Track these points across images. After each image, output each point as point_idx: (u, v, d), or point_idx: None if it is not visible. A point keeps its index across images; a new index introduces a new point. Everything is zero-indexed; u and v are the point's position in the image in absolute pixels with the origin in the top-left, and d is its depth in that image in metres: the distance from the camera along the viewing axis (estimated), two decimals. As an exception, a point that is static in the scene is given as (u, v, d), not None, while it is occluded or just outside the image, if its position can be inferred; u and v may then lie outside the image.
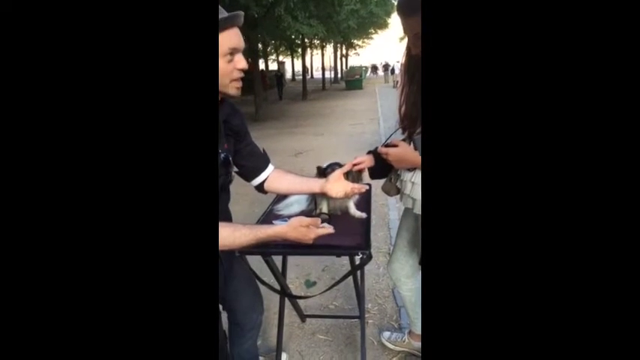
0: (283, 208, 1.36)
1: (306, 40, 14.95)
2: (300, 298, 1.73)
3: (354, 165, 1.24)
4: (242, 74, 0.89)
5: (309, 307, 1.92)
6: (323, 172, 1.23)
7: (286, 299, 1.54)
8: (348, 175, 1.20)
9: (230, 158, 1.02)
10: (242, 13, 0.85)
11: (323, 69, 20.55)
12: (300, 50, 16.40)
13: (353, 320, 1.79)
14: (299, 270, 2.31)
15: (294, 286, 2.17)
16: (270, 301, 1.88)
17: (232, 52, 0.84)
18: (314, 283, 2.19)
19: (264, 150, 1.20)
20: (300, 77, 15.79)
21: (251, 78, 10.32)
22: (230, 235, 0.89)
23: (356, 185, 1.15)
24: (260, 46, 10.80)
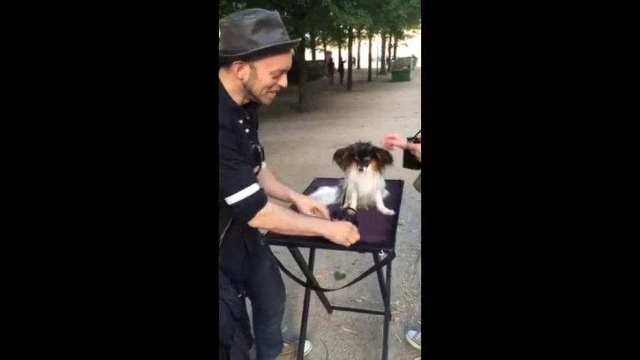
0: (312, 200, 1.38)
1: (353, 31, 14.75)
2: (324, 290, 1.75)
3: (388, 139, 1.30)
4: (279, 89, 0.96)
5: (336, 298, 1.94)
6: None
7: (312, 290, 1.56)
8: (377, 157, 1.25)
9: (260, 150, 1.05)
10: (300, 39, 0.97)
11: (370, 59, 20.21)
12: (347, 40, 16.23)
13: (379, 315, 1.78)
14: (329, 262, 2.33)
15: (324, 276, 2.20)
16: (299, 289, 1.93)
17: (281, 72, 0.92)
18: (343, 276, 2.20)
19: None
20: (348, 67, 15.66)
21: (296, 69, 10.38)
22: (292, 219, 0.99)
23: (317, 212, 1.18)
24: (308, 36, 10.81)
